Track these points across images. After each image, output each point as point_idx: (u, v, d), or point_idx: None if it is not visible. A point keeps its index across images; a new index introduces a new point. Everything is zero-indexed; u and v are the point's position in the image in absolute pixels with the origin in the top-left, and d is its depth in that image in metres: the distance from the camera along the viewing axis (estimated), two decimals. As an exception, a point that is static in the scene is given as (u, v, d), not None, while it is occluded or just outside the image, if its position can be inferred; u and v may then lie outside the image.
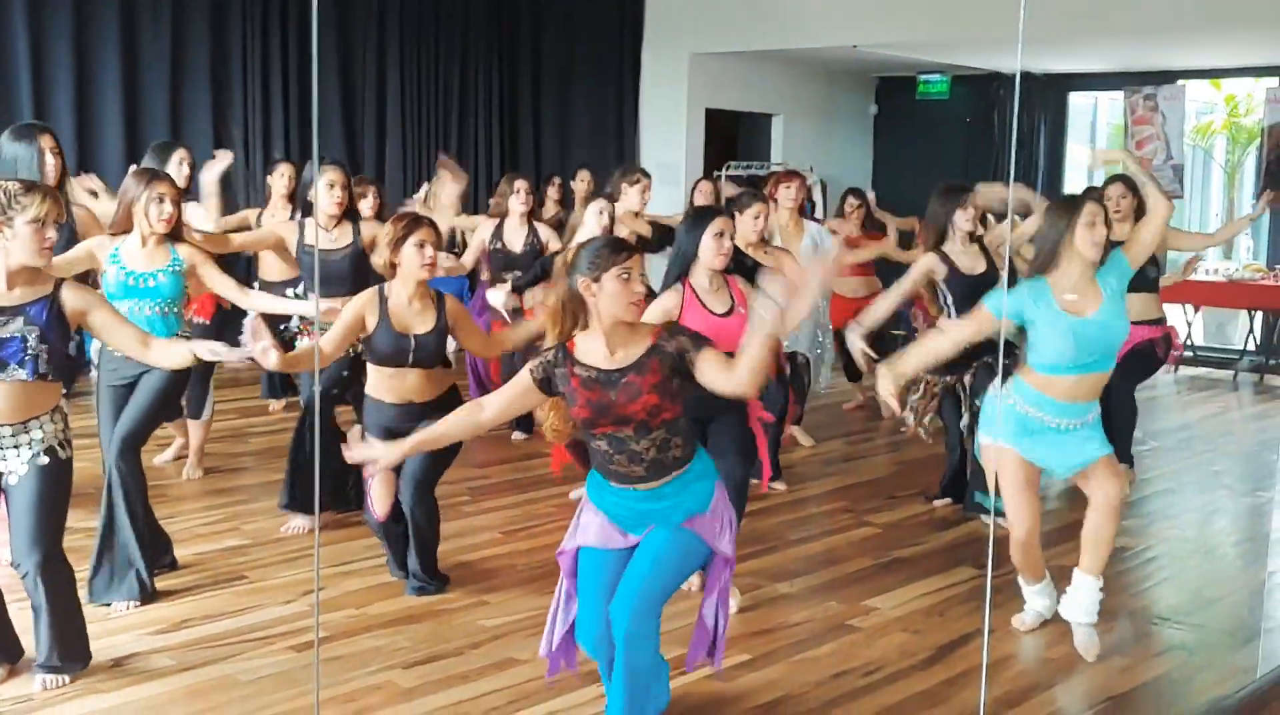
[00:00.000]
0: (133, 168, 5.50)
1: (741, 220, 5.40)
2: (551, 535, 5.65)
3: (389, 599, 4.77)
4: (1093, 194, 4.54)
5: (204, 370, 6.26)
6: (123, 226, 4.75)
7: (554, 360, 3.43)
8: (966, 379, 5.79)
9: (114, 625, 4.40)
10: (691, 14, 11.64)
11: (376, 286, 4.71)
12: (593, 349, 3.40)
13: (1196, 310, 11.04)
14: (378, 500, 4.77)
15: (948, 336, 4.53)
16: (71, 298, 3.69)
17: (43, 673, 3.90)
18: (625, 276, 3.33)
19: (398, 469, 4.66)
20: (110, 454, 4.73)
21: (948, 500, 6.27)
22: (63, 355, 3.67)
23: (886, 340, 8.78)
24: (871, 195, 8.53)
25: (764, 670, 4.21)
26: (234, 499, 6.05)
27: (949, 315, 5.74)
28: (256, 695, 3.90)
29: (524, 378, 3.43)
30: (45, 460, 3.74)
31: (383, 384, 4.71)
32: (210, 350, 3.79)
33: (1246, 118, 13.05)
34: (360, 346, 4.85)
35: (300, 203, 5.96)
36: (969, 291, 5.43)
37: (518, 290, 6.34)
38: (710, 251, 4.48)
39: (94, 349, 4.85)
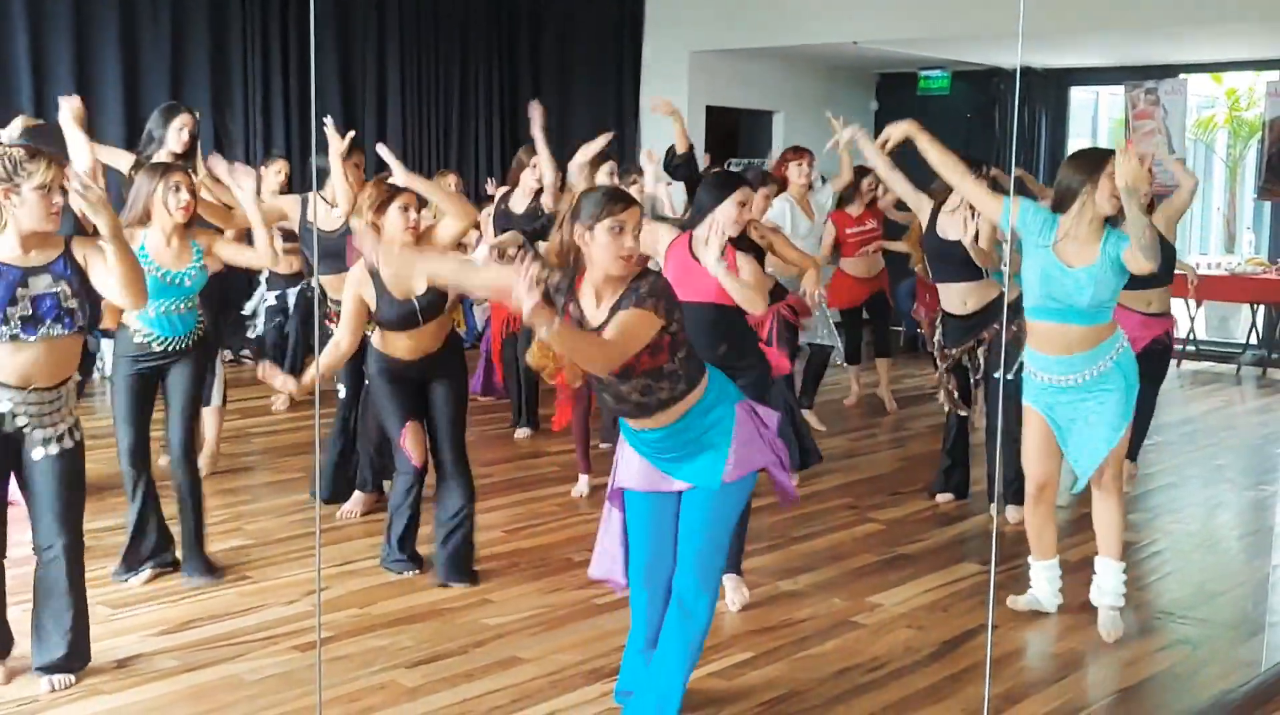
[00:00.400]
0: (137, 164, 5.46)
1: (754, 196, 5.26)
2: (554, 534, 5.65)
3: (392, 598, 4.77)
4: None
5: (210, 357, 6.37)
6: (141, 220, 4.75)
7: (561, 285, 3.40)
8: (981, 353, 5.80)
9: (117, 626, 4.40)
10: (692, 11, 11.63)
11: (360, 263, 4.76)
12: (587, 294, 3.39)
13: (1199, 304, 11.03)
14: (415, 448, 4.86)
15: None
16: (80, 250, 3.72)
17: (48, 674, 3.89)
18: (617, 228, 3.28)
19: (426, 422, 4.88)
20: (175, 465, 4.87)
21: (950, 496, 6.26)
22: (91, 308, 3.74)
23: (887, 335, 8.86)
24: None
25: (767, 668, 4.20)
26: (237, 499, 6.06)
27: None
28: (260, 695, 3.89)
29: (535, 263, 3.01)
30: (72, 440, 3.77)
31: (397, 343, 4.81)
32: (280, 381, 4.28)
33: (1248, 111, 13.04)
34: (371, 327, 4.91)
35: (315, 180, 5.83)
36: (941, 254, 5.70)
37: (525, 243, 6.41)
38: (729, 218, 4.43)
39: (106, 349, 4.88)
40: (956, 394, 5.98)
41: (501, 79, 11.73)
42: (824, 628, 4.57)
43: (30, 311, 3.56)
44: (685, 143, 6.69)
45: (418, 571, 5.02)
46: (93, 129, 9.15)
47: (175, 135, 5.92)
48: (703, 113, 11.95)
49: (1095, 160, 4.32)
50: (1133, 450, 6.58)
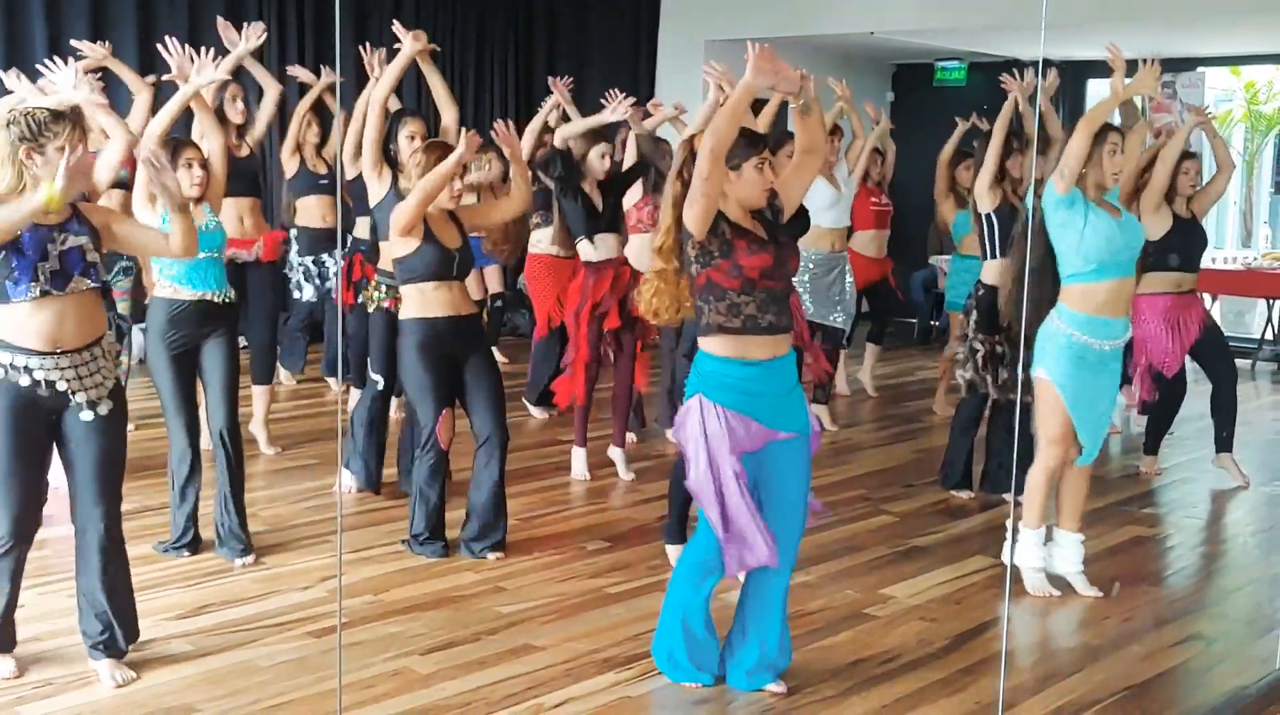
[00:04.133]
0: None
1: (777, 159, 4.90)
2: (568, 522, 5.66)
3: (407, 585, 4.78)
4: (1113, 125, 4.86)
5: (269, 339, 6.60)
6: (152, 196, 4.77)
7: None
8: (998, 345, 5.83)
9: (133, 610, 4.41)
10: (706, 0, 11.60)
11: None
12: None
13: (1215, 298, 10.99)
14: (445, 432, 4.98)
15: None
16: (91, 213, 3.76)
17: (112, 661, 3.86)
18: (761, 167, 3.70)
19: (469, 397, 5.04)
20: (217, 437, 4.94)
21: (967, 492, 6.24)
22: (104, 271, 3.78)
23: (885, 323, 8.84)
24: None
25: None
26: (252, 485, 6.05)
27: (991, 253, 5.90)
28: (275, 681, 3.91)
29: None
30: (117, 403, 3.77)
31: (434, 297, 4.94)
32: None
33: (1266, 105, 12.99)
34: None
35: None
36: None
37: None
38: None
39: (137, 337, 4.90)
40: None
41: (517, 67, 11.73)
42: (837, 619, 4.58)
43: (59, 266, 3.58)
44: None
45: (446, 555, 5.06)
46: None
47: (230, 107, 6.30)
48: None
49: (1099, 135, 4.63)
50: (1225, 442, 6.80)
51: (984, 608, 4.73)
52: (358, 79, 10.50)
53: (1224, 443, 6.79)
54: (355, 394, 6.72)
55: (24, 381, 3.60)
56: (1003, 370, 5.84)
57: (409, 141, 5.49)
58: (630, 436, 6.84)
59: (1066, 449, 4.81)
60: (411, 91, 11.02)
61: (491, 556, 5.05)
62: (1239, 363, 10.67)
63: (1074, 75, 12.53)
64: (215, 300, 4.89)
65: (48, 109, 3.68)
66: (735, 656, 3.94)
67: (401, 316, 5.04)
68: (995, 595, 4.83)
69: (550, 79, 7.22)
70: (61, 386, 3.64)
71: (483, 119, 11.52)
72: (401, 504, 5.57)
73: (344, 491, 5.84)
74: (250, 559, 4.95)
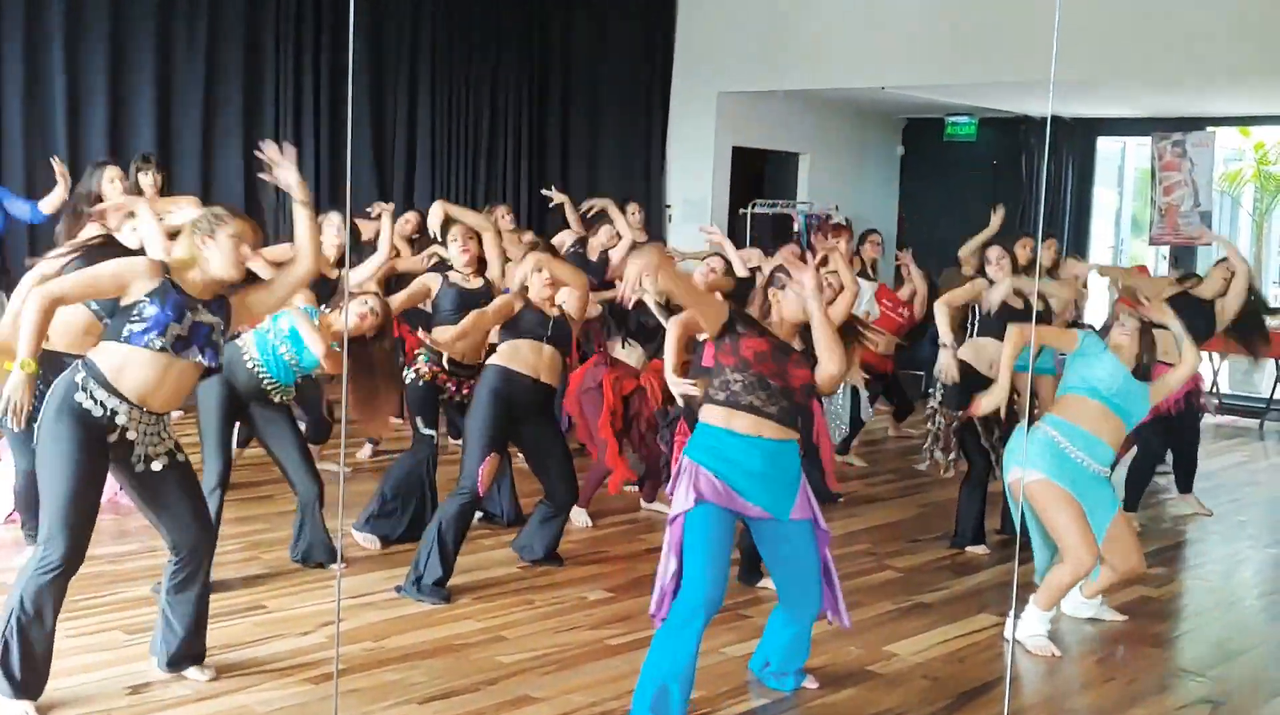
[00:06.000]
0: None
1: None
2: (571, 571, 5.64)
3: (406, 631, 4.75)
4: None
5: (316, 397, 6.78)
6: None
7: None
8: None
9: (131, 652, 4.38)
10: (720, 53, 11.69)
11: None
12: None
13: (1223, 357, 10.97)
14: (487, 478, 5.17)
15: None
16: (236, 300, 4.04)
17: (190, 664, 4.16)
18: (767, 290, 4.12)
19: (539, 464, 5.48)
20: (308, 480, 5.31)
21: (982, 547, 6.22)
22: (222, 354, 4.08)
23: (900, 381, 8.91)
24: (908, 259, 8.46)
25: None
26: (254, 527, 6.05)
27: (970, 332, 6.29)
28: (272, 727, 3.88)
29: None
30: (181, 456, 4.01)
31: (523, 354, 5.31)
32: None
33: (1275, 165, 13.01)
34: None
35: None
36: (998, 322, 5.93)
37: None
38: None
39: None
40: (958, 452, 6.27)
41: (531, 118, 11.81)
42: (840, 675, 4.54)
43: (186, 333, 3.82)
44: None
45: (449, 601, 5.06)
46: (124, 160, 9.39)
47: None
48: (729, 153, 12.00)
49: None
50: (1188, 484, 7.18)
51: (988, 667, 4.69)
52: (373, 124, 10.62)
53: (1186, 484, 7.15)
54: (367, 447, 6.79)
55: (103, 418, 3.77)
56: (957, 446, 6.13)
57: (454, 243, 6.16)
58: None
59: (1095, 550, 4.72)
60: (442, 126, 11.16)
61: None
62: (1247, 422, 10.69)
63: (1083, 132, 12.61)
64: (279, 397, 5.22)
65: (225, 207, 4.04)
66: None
67: (489, 361, 5.39)
68: (999, 654, 4.80)
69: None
70: (131, 436, 3.84)
71: (495, 168, 11.61)
72: (402, 550, 5.56)
73: (366, 543, 5.81)
74: (343, 565, 5.38)
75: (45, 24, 8.86)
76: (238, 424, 5.34)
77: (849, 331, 5.32)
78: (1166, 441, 7.08)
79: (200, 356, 3.87)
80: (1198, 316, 6.40)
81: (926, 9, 10.35)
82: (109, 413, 3.77)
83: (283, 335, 5.12)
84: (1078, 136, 12.62)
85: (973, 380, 5.89)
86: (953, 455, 6.32)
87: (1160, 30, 9.21)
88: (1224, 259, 6.94)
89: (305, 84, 10.20)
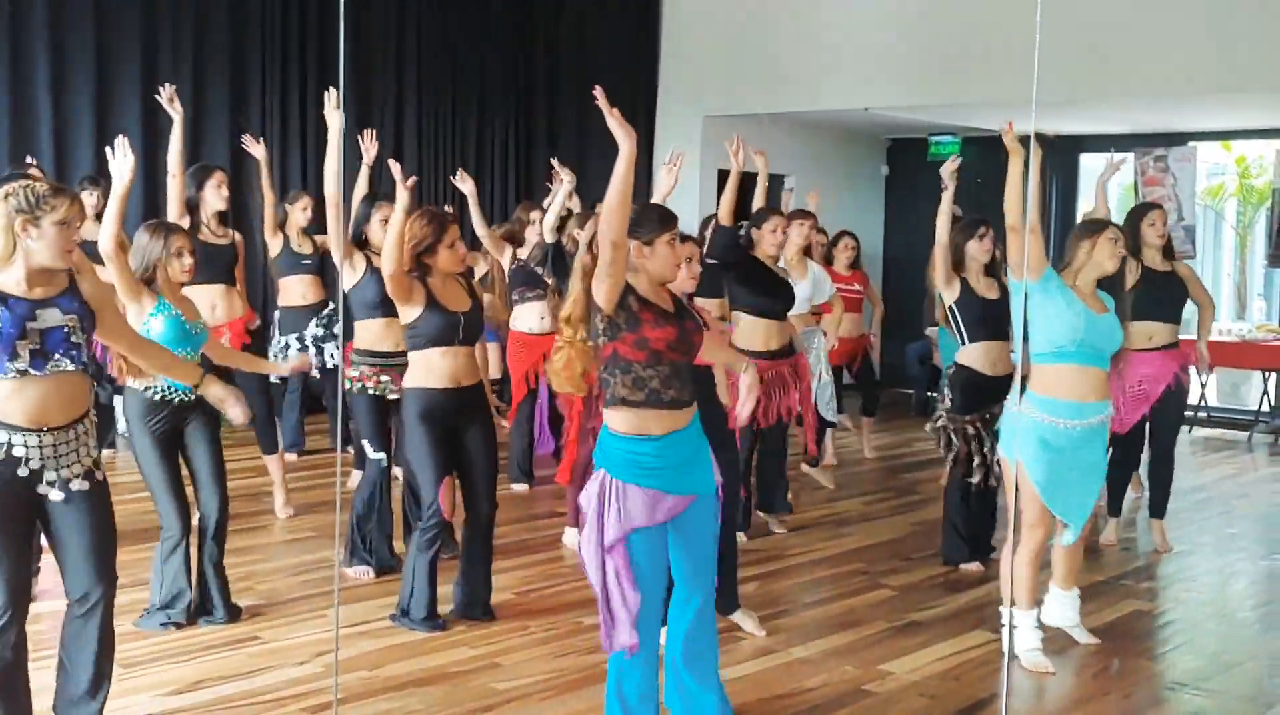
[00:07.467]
0: (144, 224, 5.45)
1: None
2: (564, 596, 5.63)
3: (402, 660, 4.75)
4: (1108, 221, 5.21)
5: (264, 411, 6.73)
6: (146, 277, 4.80)
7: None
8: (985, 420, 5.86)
9: (128, 685, 4.38)
10: (705, 77, 11.75)
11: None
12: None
13: (1211, 370, 11.02)
14: (448, 502, 5.01)
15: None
16: (88, 288, 3.68)
17: None
18: (673, 243, 3.81)
19: (460, 470, 5.08)
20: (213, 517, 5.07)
21: (976, 564, 6.23)
22: (93, 349, 3.73)
23: (874, 396, 8.98)
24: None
25: (779, 735, 4.18)
26: (248, 558, 6.05)
27: (961, 341, 5.96)
28: (269, 758, 3.88)
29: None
30: (95, 479, 3.68)
31: (436, 365, 4.99)
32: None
33: (1257, 179, 13.11)
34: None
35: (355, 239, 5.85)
36: (981, 315, 5.85)
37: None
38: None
39: (120, 405, 4.93)
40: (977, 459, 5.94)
41: (517, 138, 11.86)
42: (835, 696, 4.54)
43: (39, 345, 3.49)
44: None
45: (442, 629, 5.05)
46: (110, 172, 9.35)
47: (216, 193, 6.47)
48: (714, 176, 12.05)
49: (1098, 225, 4.93)
50: (1159, 506, 6.79)
51: (983, 684, 4.70)
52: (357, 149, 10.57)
53: (1157, 508, 6.76)
54: (356, 474, 6.79)
55: (5, 458, 3.50)
56: (975, 452, 5.91)
57: (382, 226, 5.58)
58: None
59: (1047, 531, 4.84)
60: (429, 146, 11.19)
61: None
62: (1235, 435, 10.73)
63: (1066, 149, 12.68)
64: (189, 398, 4.85)
65: (49, 183, 3.66)
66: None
67: (405, 384, 5.07)
68: (995, 671, 4.81)
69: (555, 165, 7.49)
70: (35, 464, 3.54)
71: (483, 189, 11.60)
72: (392, 578, 5.55)
73: (359, 575, 5.79)
74: (232, 623, 5.06)
75: (30, 43, 8.85)
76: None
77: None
78: (1141, 444, 6.69)
79: (69, 364, 3.54)
80: (1166, 286, 6.38)
81: (908, 30, 10.42)
82: (6, 447, 3.49)
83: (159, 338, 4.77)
84: (1061, 154, 12.69)
85: (979, 384, 5.88)
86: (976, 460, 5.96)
87: (1141, 47, 9.27)
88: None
89: (291, 94, 10.20)
